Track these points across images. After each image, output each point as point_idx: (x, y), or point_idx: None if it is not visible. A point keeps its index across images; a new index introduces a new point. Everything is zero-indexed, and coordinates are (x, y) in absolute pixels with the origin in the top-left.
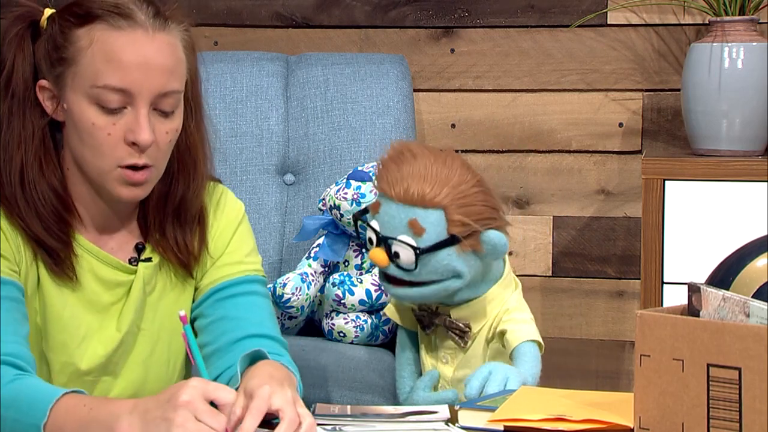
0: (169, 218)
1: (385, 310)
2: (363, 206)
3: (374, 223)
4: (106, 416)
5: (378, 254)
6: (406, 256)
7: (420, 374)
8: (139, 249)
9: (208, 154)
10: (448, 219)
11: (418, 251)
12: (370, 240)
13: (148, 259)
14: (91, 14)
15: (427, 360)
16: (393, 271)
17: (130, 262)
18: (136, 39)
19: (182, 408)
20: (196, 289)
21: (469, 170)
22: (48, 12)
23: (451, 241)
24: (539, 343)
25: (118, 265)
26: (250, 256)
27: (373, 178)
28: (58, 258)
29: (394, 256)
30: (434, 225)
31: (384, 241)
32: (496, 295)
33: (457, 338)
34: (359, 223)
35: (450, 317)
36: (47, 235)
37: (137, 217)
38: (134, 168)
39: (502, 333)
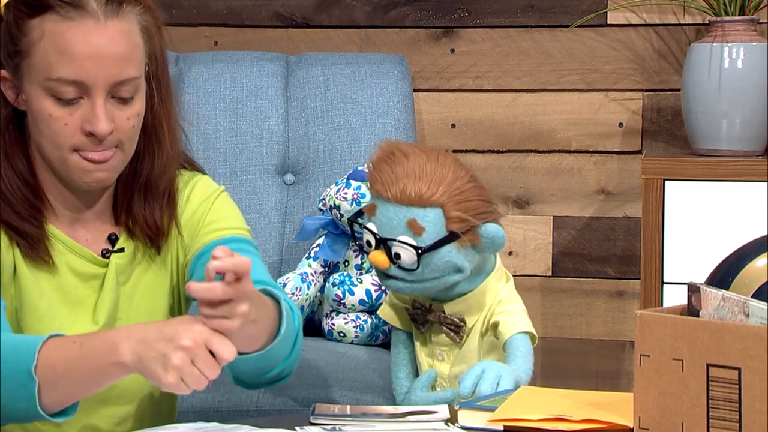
0: (135, 196)
1: (379, 312)
2: (357, 209)
3: (371, 226)
4: (100, 344)
5: (378, 256)
6: (408, 256)
7: (416, 374)
8: (112, 240)
9: (176, 132)
10: (447, 216)
11: (419, 251)
12: (368, 243)
13: (121, 250)
14: (43, 4)
15: (423, 359)
16: (394, 272)
17: (102, 255)
18: (87, 30)
19: (182, 350)
20: (184, 266)
21: (461, 166)
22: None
23: (451, 237)
24: (532, 335)
25: (90, 258)
26: (231, 222)
27: (366, 180)
28: (32, 241)
29: (394, 258)
30: (433, 223)
31: (383, 243)
32: (489, 288)
33: (452, 334)
34: (355, 226)
35: (444, 313)
36: (19, 220)
37: (111, 207)
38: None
39: (495, 324)
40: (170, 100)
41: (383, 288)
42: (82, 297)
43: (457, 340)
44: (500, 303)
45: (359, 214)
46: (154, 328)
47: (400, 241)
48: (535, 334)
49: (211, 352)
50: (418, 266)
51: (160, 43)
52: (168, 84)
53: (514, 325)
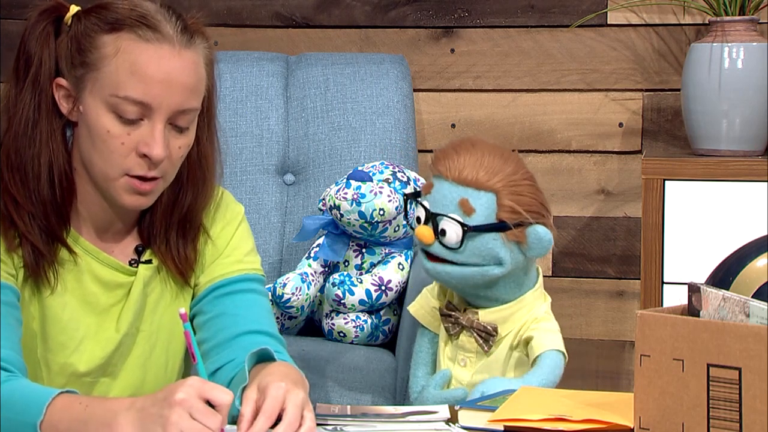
0: (173, 228)
1: (409, 307)
2: (415, 189)
3: (425, 202)
4: (103, 414)
5: (424, 231)
6: (453, 232)
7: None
8: (139, 251)
9: (218, 166)
10: (499, 204)
11: (466, 228)
12: (418, 218)
13: (148, 261)
14: (120, 22)
15: (445, 361)
16: (436, 249)
17: (130, 264)
18: (162, 54)
19: (177, 406)
20: (195, 285)
21: (524, 166)
22: (74, 9)
23: (499, 226)
24: (564, 354)
25: (118, 267)
26: (249, 256)
27: (430, 161)
28: (39, 258)
29: (440, 234)
30: (484, 207)
31: (432, 218)
32: (527, 304)
33: (481, 341)
34: (409, 201)
35: (478, 318)
36: (37, 234)
37: (138, 220)
38: (142, 178)
39: (528, 340)
40: (215, 135)
41: (384, 288)
42: (105, 306)
43: (485, 348)
44: (536, 320)
45: (416, 194)
46: (150, 396)
47: (449, 217)
48: (566, 354)
49: (211, 404)
50: (461, 245)
51: (212, 78)
52: (215, 118)
53: (547, 342)
